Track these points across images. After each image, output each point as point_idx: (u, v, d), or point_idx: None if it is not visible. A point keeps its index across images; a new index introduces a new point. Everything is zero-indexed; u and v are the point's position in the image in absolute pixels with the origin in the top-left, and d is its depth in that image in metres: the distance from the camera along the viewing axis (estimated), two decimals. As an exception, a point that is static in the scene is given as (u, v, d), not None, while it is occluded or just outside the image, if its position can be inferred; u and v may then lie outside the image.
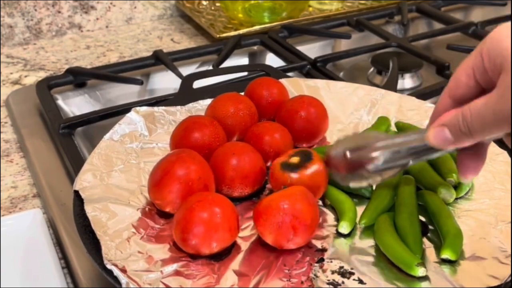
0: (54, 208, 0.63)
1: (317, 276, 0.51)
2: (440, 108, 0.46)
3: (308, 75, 0.86)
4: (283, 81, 0.74)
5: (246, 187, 0.58)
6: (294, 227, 0.51)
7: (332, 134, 0.69)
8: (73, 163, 0.67)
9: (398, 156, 0.50)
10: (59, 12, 1.05)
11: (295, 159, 0.57)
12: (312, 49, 0.98)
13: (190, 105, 0.72)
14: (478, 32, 0.99)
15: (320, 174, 0.57)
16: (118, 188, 0.59)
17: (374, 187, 0.60)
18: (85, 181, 0.59)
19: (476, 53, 0.42)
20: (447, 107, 0.45)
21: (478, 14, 1.16)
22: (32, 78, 0.93)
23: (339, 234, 0.55)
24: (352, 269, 0.51)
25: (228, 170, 0.58)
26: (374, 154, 0.51)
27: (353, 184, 0.55)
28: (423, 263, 0.50)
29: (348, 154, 0.54)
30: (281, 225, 0.51)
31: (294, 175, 0.56)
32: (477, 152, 0.47)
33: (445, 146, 0.44)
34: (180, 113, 0.71)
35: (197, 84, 0.78)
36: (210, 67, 0.90)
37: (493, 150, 0.64)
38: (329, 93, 0.75)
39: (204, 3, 1.12)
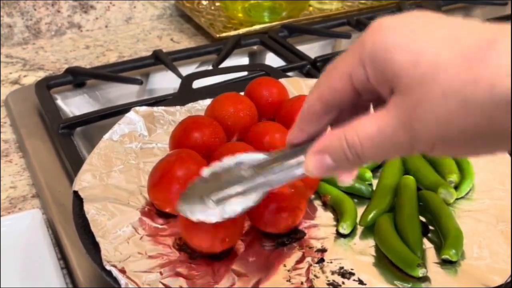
0: (53, 209, 0.63)
1: (317, 277, 0.51)
2: (308, 113, 0.40)
3: (308, 75, 0.86)
4: (283, 81, 0.74)
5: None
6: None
7: (332, 134, 0.69)
8: (73, 163, 0.67)
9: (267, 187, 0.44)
10: (59, 11, 1.04)
11: None
12: (312, 49, 0.98)
13: (190, 105, 0.72)
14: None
15: None
16: (117, 189, 0.59)
17: (374, 188, 0.60)
18: (84, 181, 0.59)
19: (355, 61, 0.35)
20: (316, 112, 0.39)
21: (478, 14, 1.16)
22: (31, 78, 0.93)
23: (339, 235, 0.55)
24: (352, 269, 0.51)
25: None
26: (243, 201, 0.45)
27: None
28: (423, 263, 0.50)
29: (211, 198, 0.46)
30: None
31: None
32: None
33: (327, 174, 0.39)
34: (180, 113, 0.71)
35: (197, 84, 0.78)
36: (210, 67, 0.90)
37: (494, 150, 0.64)
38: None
39: (204, 3, 1.12)
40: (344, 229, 0.55)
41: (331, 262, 0.52)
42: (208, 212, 0.46)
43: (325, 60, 0.89)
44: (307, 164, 0.39)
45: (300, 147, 0.41)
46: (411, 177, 0.60)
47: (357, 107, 0.39)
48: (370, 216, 0.56)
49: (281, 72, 0.81)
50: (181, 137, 0.62)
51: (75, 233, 0.54)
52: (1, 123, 0.82)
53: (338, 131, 0.36)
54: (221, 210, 0.45)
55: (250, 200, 0.45)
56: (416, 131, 0.33)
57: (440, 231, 0.54)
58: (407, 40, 0.33)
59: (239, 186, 0.45)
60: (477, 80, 0.30)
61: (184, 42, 1.04)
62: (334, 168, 0.38)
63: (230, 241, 0.52)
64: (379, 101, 0.36)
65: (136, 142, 0.66)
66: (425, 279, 0.50)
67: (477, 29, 0.32)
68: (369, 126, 0.35)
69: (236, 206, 0.45)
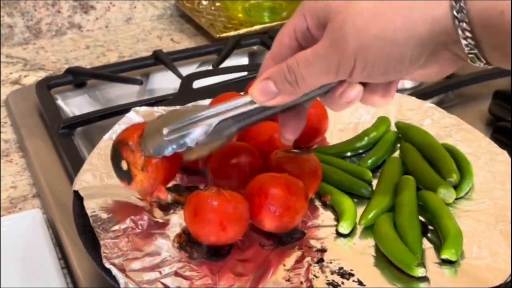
0: (53, 208, 0.63)
1: (316, 277, 0.51)
2: (263, 70, 0.45)
3: (308, 75, 0.86)
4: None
5: (245, 186, 0.58)
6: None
7: (332, 134, 0.69)
8: (73, 163, 0.67)
9: (224, 125, 0.47)
10: (59, 12, 1.04)
11: (295, 150, 0.59)
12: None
13: (190, 105, 0.72)
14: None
15: (316, 168, 0.58)
16: (117, 188, 0.59)
17: (374, 188, 0.60)
18: (84, 181, 0.59)
19: (298, 15, 0.43)
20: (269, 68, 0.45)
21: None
22: (31, 78, 0.93)
23: (339, 234, 0.55)
24: (351, 269, 0.51)
25: (229, 169, 0.57)
26: (199, 129, 0.47)
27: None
28: (423, 263, 0.50)
29: (165, 131, 0.49)
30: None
31: (291, 163, 0.57)
32: (297, 114, 0.48)
33: (270, 101, 0.43)
34: (180, 113, 0.71)
35: (197, 84, 0.78)
36: (210, 67, 0.90)
37: (493, 150, 0.64)
38: (329, 93, 0.75)
39: (204, 3, 1.12)
40: (344, 229, 0.55)
41: (330, 262, 0.52)
42: (163, 144, 0.48)
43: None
44: (252, 90, 0.44)
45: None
46: (410, 177, 0.60)
47: None
48: (370, 216, 0.56)
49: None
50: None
51: (75, 233, 0.54)
52: (2, 123, 0.82)
53: (282, 63, 0.42)
54: (175, 140, 0.48)
55: (202, 129, 0.47)
56: (342, 46, 0.39)
57: (439, 231, 0.54)
58: None
59: (193, 118, 0.47)
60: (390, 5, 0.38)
61: (184, 42, 1.04)
62: (275, 93, 0.43)
63: (235, 233, 0.52)
64: None
65: (136, 142, 0.66)
66: (425, 279, 0.50)
67: None
68: (305, 51, 0.41)
69: (189, 135, 0.47)
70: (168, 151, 0.49)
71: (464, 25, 0.36)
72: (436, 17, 0.37)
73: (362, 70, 0.40)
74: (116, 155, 0.54)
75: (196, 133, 0.47)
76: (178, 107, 0.71)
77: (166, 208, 0.57)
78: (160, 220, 0.56)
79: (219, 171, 0.58)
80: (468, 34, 0.37)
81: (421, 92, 0.79)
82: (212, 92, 0.73)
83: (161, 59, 0.89)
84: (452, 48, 0.39)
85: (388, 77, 0.41)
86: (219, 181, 0.58)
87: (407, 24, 0.38)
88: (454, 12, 0.36)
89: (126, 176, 0.53)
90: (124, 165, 0.53)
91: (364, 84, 0.44)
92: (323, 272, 0.51)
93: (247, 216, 0.52)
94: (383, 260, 0.52)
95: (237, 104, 0.46)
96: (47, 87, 0.83)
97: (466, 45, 0.37)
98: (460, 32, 0.37)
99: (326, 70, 0.41)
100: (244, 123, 0.48)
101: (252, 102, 0.45)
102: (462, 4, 0.36)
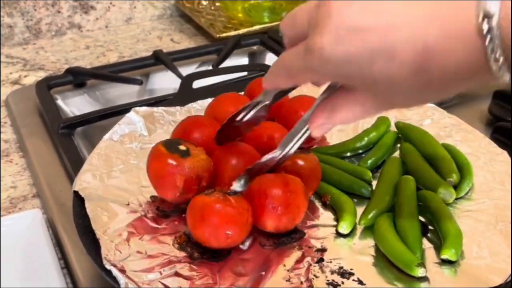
0: (53, 208, 0.63)
1: (316, 277, 0.51)
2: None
3: (308, 75, 0.86)
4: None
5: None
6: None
7: (332, 134, 0.69)
8: (73, 163, 0.67)
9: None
10: (59, 12, 1.04)
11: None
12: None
13: (190, 105, 0.72)
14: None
15: (315, 167, 0.58)
16: (117, 189, 0.59)
17: (374, 188, 0.60)
18: (84, 181, 0.59)
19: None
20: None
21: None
22: (31, 78, 0.93)
23: (338, 234, 0.55)
24: (351, 269, 0.51)
25: (229, 169, 0.57)
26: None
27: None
28: (423, 263, 0.50)
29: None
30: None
31: (290, 162, 0.57)
32: None
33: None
34: (180, 113, 0.71)
35: (197, 84, 0.78)
36: (210, 67, 0.90)
37: (493, 150, 0.64)
38: (329, 93, 0.75)
39: (204, 3, 1.12)
40: (344, 229, 0.55)
41: (330, 262, 0.52)
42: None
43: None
44: (315, 134, 0.47)
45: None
46: (410, 177, 0.60)
47: None
48: (370, 216, 0.56)
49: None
50: (181, 137, 0.62)
51: (75, 233, 0.54)
52: (2, 123, 0.82)
53: (327, 116, 0.44)
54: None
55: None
56: (394, 103, 0.41)
57: (439, 231, 0.54)
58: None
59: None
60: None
61: (184, 42, 1.04)
62: (333, 126, 0.46)
63: (239, 238, 0.52)
64: None
65: (136, 142, 0.66)
66: (425, 279, 0.50)
67: None
68: (356, 111, 0.42)
69: None
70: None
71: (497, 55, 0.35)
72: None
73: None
74: (174, 142, 0.56)
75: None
76: (178, 107, 0.71)
77: (165, 214, 0.57)
78: (160, 226, 0.56)
79: (219, 171, 0.58)
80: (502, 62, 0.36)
81: (421, 92, 0.79)
82: (212, 92, 0.73)
83: (161, 59, 0.89)
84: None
85: (353, 83, 0.41)
86: (219, 181, 0.58)
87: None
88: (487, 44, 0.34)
89: (182, 153, 0.55)
90: (183, 147, 0.55)
91: None
92: (323, 272, 0.51)
93: (251, 221, 0.52)
94: (383, 260, 0.52)
95: (297, 139, 0.53)
96: (47, 87, 0.83)
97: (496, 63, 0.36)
98: (493, 64, 0.36)
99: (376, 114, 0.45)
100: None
101: (306, 133, 0.52)
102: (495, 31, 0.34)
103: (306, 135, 0.52)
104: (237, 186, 0.54)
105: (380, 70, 0.36)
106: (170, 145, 0.56)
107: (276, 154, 0.53)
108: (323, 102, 0.45)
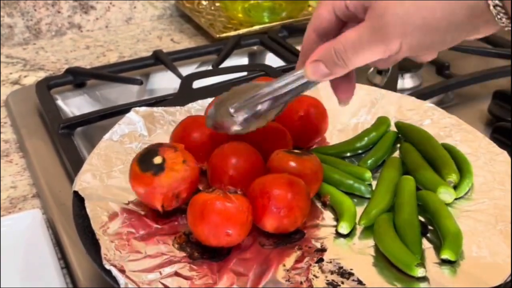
0: (53, 209, 0.63)
1: (316, 277, 0.51)
2: (307, 43, 0.50)
3: (308, 75, 0.86)
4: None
5: (245, 186, 0.58)
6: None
7: (332, 134, 0.69)
8: (73, 163, 0.67)
9: (282, 98, 0.53)
10: (59, 12, 1.04)
11: (296, 151, 0.59)
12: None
13: (190, 105, 0.72)
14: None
15: (317, 169, 0.58)
16: (117, 189, 0.59)
17: (373, 188, 0.60)
18: (84, 181, 0.59)
19: None
20: (313, 41, 0.49)
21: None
22: (31, 78, 0.93)
23: (338, 234, 0.55)
24: (351, 269, 0.51)
25: (229, 169, 0.57)
26: (260, 106, 0.53)
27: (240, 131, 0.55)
28: (422, 263, 0.50)
29: (231, 110, 0.54)
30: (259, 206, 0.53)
31: (293, 163, 0.57)
32: (347, 77, 0.50)
33: (323, 79, 0.48)
34: (180, 113, 0.71)
35: (197, 84, 0.78)
36: (210, 67, 0.90)
37: (493, 150, 0.64)
38: (329, 93, 0.74)
39: (204, 3, 1.12)
40: (344, 229, 0.55)
41: (330, 262, 0.52)
42: (230, 121, 0.54)
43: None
44: (307, 71, 0.48)
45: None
46: (410, 177, 0.60)
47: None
48: (370, 216, 0.56)
49: (281, 72, 0.81)
50: (181, 137, 0.62)
51: (75, 233, 0.54)
52: (2, 123, 0.82)
53: (328, 43, 0.46)
54: (240, 118, 0.54)
55: (261, 108, 0.53)
56: (387, 33, 0.43)
57: (439, 231, 0.54)
58: None
59: (256, 95, 0.53)
60: None
61: (184, 42, 1.04)
62: (328, 74, 0.47)
63: (239, 236, 0.52)
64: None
65: (136, 142, 0.66)
66: (424, 279, 0.50)
67: None
68: (350, 36, 0.45)
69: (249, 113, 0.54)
70: (237, 128, 0.55)
71: (499, 8, 0.40)
72: (472, 4, 0.40)
73: (407, 52, 0.44)
74: (150, 153, 0.55)
75: (263, 110, 0.54)
76: (178, 107, 0.71)
77: (165, 214, 0.57)
78: (159, 226, 0.56)
79: (219, 171, 0.58)
80: (503, 15, 0.40)
81: (421, 92, 0.79)
82: (212, 92, 0.73)
83: (161, 59, 0.89)
84: (487, 25, 0.42)
85: (433, 53, 0.48)
86: (219, 180, 0.58)
87: (446, 12, 0.41)
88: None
89: (156, 169, 0.54)
90: (158, 160, 0.54)
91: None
92: (323, 272, 0.51)
93: (251, 219, 0.52)
94: (382, 260, 0.52)
95: (292, 79, 0.51)
96: (47, 87, 0.83)
97: (502, 23, 0.41)
98: (495, 14, 0.40)
99: (372, 53, 0.44)
100: (298, 93, 0.52)
101: (303, 78, 0.50)
102: None
103: (301, 80, 0.50)
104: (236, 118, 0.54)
105: None
106: (143, 161, 0.55)
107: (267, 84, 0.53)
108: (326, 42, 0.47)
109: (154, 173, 0.54)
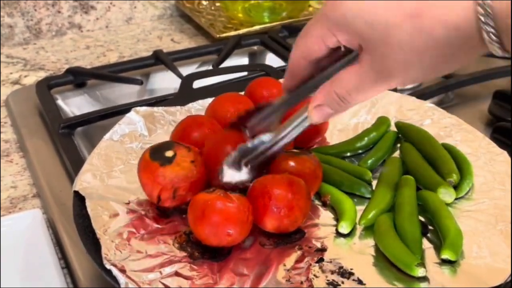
0: (53, 208, 0.63)
1: (316, 276, 0.51)
2: (295, 67, 0.50)
3: (308, 75, 0.86)
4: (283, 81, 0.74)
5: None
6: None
7: (332, 134, 0.69)
8: (73, 163, 0.67)
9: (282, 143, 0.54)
10: (59, 12, 1.04)
11: (296, 150, 0.59)
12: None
13: (190, 105, 0.72)
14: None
15: (317, 169, 0.58)
16: (118, 188, 0.59)
17: (374, 188, 0.60)
18: (84, 181, 0.59)
19: (324, 30, 0.45)
20: (302, 67, 0.49)
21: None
22: (32, 78, 0.93)
23: (338, 234, 0.55)
24: (351, 269, 0.51)
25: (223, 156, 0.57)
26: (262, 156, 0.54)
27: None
28: (422, 263, 0.50)
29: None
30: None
31: (292, 163, 0.57)
32: None
33: (327, 119, 0.50)
34: (180, 113, 0.71)
35: (197, 84, 0.78)
36: (210, 67, 0.90)
37: (493, 150, 0.64)
38: (329, 93, 0.75)
39: (204, 3, 1.12)
40: (344, 228, 0.55)
41: (330, 262, 0.52)
42: (241, 173, 0.54)
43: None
44: (312, 117, 0.49)
45: (295, 95, 0.52)
46: (410, 177, 0.60)
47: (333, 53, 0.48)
48: (370, 216, 0.56)
49: (281, 72, 0.81)
50: (181, 137, 0.62)
51: (75, 233, 0.54)
52: (2, 123, 0.82)
53: (327, 87, 0.47)
54: (251, 169, 0.54)
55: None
56: (389, 75, 0.44)
57: (439, 231, 0.54)
58: (361, 9, 0.42)
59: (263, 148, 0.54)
60: (421, 30, 0.41)
61: (185, 42, 1.04)
62: (332, 114, 0.48)
63: (240, 236, 0.52)
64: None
65: (136, 142, 0.66)
66: (425, 279, 0.50)
67: None
68: (351, 80, 0.45)
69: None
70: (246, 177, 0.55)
71: (489, 28, 0.39)
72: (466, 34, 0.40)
73: (407, 84, 0.47)
74: (165, 146, 0.56)
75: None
76: (178, 107, 0.71)
77: (165, 214, 0.57)
78: (160, 226, 0.56)
79: (213, 159, 0.57)
80: (493, 36, 0.39)
81: (421, 92, 0.79)
82: (212, 92, 0.73)
83: (161, 59, 0.89)
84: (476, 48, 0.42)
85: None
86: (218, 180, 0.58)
87: (447, 57, 0.42)
88: (480, 16, 0.39)
89: (164, 161, 0.54)
90: (169, 153, 0.55)
91: None
92: (323, 271, 0.51)
93: (252, 219, 0.52)
94: (383, 260, 0.52)
95: (295, 125, 0.52)
96: (47, 87, 0.83)
97: (490, 43, 0.40)
98: (485, 35, 0.39)
99: (375, 92, 0.46)
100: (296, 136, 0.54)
101: (306, 121, 0.51)
102: (487, 8, 0.38)
103: (304, 124, 0.51)
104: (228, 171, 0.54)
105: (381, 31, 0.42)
106: (156, 151, 0.56)
107: (266, 138, 0.53)
108: (325, 84, 0.47)
109: (161, 163, 0.54)
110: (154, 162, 0.55)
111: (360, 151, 0.66)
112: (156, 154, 0.55)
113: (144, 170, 0.56)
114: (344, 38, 0.45)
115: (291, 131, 0.52)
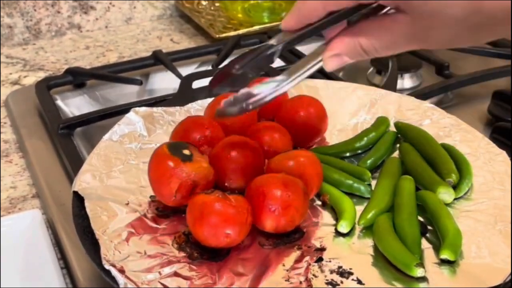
0: (53, 209, 0.63)
1: (315, 276, 0.51)
2: (308, 12, 0.47)
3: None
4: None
5: (246, 178, 0.57)
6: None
7: (332, 134, 0.69)
8: (72, 163, 0.67)
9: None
10: (59, 12, 1.05)
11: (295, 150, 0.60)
12: (311, 49, 0.97)
13: (189, 105, 0.72)
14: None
15: (317, 168, 0.58)
16: (117, 189, 0.59)
17: (373, 188, 0.60)
18: (84, 181, 0.59)
19: None
20: (320, 15, 0.47)
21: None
22: (31, 79, 0.93)
23: (338, 234, 0.55)
24: (351, 269, 0.51)
25: (230, 162, 0.57)
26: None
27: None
28: (422, 263, 0.50)
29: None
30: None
31: (291, 163, 0.57)
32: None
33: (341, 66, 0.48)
34: (179, 113, 0.71)
35: (197, 84, 0.78)
36: (210, 67, 0.90)
37: (493, 150, 0.64)
38: (329, 93, 0.75)
39: (204, 3, 1.12)
40: (343, 228, 0.55)
41: (329, 261, 0.52)
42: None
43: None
44: (329, 64, 0.47)
45: (297, 36, 0.49)
46: (410, 177, 0.60)
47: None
48: (369, 215, 0.56)
49: (280, 72, 0.81)
50: (180, 137, 0.62)
51: (75, 233, 0.54)
52: (1, 123, 0.82)
53: (351, 38, 0.45)
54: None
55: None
56: (429, 43, 0.43)
57: (438, 231, 0.54)
58: None
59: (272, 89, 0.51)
60: (476, 10, 0.40)
61: (184, 43, 1.05)
62: (347, 62, 0.46)
63: (239, 237, 0.52)
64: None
65: (135, 143, 0.66)
66: (424, 279, 0.50)
67: None
68: (383, 37, 0.44)
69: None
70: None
71: None
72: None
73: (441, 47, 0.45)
74: (180, 145, 0.56)
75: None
76: (178, 107, 0.71)
77: (165, 214, 0.57)
78: (159, 226, 0.56)
79: (219, 170, 0.58)
80: None
81: (421, 92, 0.79)
82: (212, 92, 0.73)
83: (160, 59, 0.89)
84: None
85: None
86: (219, 179, 0.58)
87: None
88: None
89: (184, 157, 0.54)
90: (186, 152, 0.55)
91: None
92: (322, 271, 0.51)
93: (251, 220, 0.52)
94: (382, 259, 0.52)
95: (306, 69, 0.50)
96: (46, 87, 0.83)
97: None
98: None
99: (402, 50, 0.44)
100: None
101: (318, 64, 0.49)
102: None
103: (316, 67, 0.49)
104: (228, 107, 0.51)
105: None
106: (174, 147, 0.56)
107: (279, 78, 0.50)
108: (347, 29, 0.45)
109: (182, 159, 0.54)
110: (175, 157, 0.54)
111: (359, 151, 0.66)
112: (175, 150, 0.55)
113: (162, 163, 0.55)
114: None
115: (302, 73, 0.50)
